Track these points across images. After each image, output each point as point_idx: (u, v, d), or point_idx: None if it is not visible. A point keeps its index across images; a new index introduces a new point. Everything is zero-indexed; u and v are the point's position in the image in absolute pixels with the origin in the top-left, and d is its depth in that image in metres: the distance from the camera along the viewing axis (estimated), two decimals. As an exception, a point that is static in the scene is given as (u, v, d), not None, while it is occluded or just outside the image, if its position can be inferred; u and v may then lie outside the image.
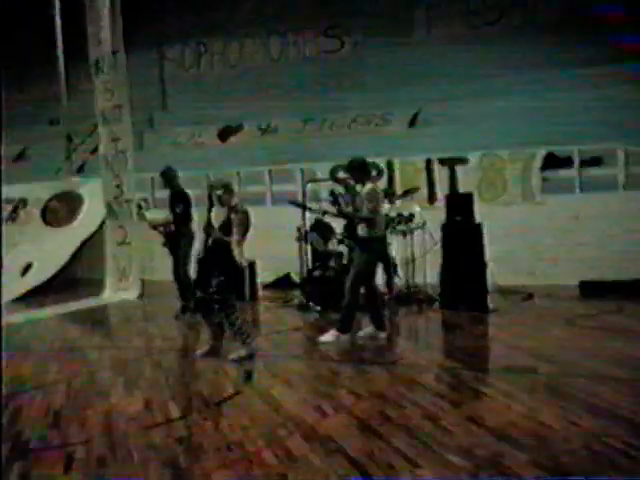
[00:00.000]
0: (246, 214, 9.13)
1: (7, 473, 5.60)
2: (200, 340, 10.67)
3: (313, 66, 20.28)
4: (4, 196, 18.98)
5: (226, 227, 9.03)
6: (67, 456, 5.92)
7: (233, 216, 9.03)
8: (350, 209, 10.26)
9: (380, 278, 12.86)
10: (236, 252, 8.97)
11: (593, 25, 16.32)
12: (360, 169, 10.08)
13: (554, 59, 16.65)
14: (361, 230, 9.92)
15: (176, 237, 12.28)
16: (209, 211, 9.36)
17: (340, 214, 10.52)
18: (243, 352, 9.15)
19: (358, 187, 10.16)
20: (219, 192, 9.15)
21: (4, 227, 17.41)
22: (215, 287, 9.02)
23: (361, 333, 10.26)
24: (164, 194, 14.45)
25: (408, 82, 18.19)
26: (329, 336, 10.01)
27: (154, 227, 11.01)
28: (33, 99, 24.47)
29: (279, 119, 19.52)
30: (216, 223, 9.18)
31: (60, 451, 6.07)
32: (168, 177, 12.53)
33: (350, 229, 10.94)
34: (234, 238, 8.96)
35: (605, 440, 5.73)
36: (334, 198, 10.72)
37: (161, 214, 13.18)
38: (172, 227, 12.32)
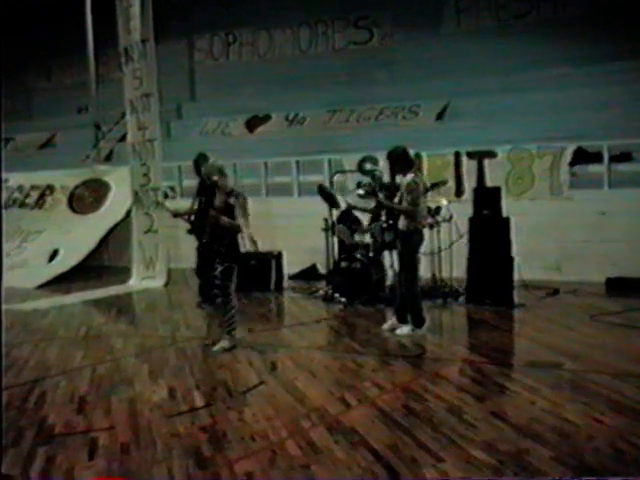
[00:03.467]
0: (245, 198, 9.09)
1: (31, 459, 5.65)
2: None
3: (342, 57, 20.28)
4: (30, 182, 19.16)
5: (227, 213, 8.96)
6: (91, 442, 5.96)
7: (233, 200, 8.97)
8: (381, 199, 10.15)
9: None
10: (246, 236, 8.94)
11: (624, 18, 16.23)
12: (402, 159, 9.87)
13: (585, 53, 16.56)
14: (401, 222, 9.77)
15: (202, 225, 12.24)
16: (200, 198, 9.27)
17: (380, 205, 10.36)
18: (226, 344, 9.21)
19: (398, 178, 9.98)
20: (215, 177, 9.10)
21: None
22: (220, 273, 9.04)
23: (385, 326, 10.25)
24: (191, 182, 14.49)
25: (437, 74, 18.16)
26: (405, 329, 9.96)
27: (175, 215, 11.02)
28: (62, 87, 24.62)
29: (307, 110, 19.51)
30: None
31: (84, 437, 6.11)
32: (201, 165, 12.44)
33: (391, 221, 10.62)
34: (241, 221, 8.91)
35: (629, 438, 5.71)
36: (372, 189, 10.57)
37: (184, 204, 13.22)
38: (192, 217, 12.30)
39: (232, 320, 9.26)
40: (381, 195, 10.34)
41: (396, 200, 9.85)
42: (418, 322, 9.93)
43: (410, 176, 9.71)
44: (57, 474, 5.38)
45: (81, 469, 5.44)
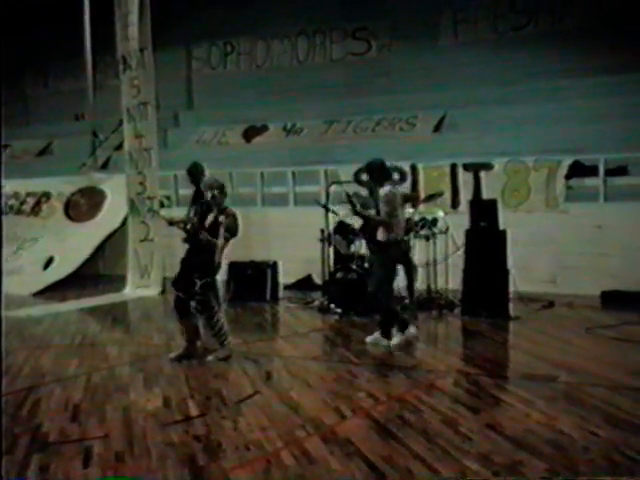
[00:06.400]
0: (235, 218, 9.11)
1: (25, 466, 5.64)
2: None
3: (339, 68, 20.28)
4: (26, 190, 19.15)
5: (214, 229, 8.97)
6: (86, 450, 5.95)
7: (222, 218, 8.97)
8: (373, 212, 10.15)
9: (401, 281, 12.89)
10: (217, 255, 8.93)
11: (621, 32, 16.27)
12: (379, 171, 9.95)
13: (582, 65, 16.60)
14: (379, 233, 9.78)
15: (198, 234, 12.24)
16: (195, 211, 9.28)
17: (356, 214, 10.37)
18: (221, 354, 9.22)
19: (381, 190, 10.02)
20: (215, 192, 9.12)
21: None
22: (199, 288, 9.01)
23: (369, 339, 10.16)
24: (187, 192, 14.50)
25: (434, 86, 18.18)
26: (374, 338, 9.98)
27: (170, 223, 11.16)
28: (59, 94, 24.61)
29: (304, 120, 19.51)
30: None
31: (79, 445, 6.10)
32: (194, 174, 12.43)
33: (368, 231, 10.58)
34: (220, 241, 8.92)
35: (625, 451, 5.71)
36: (348, 199, 10.56)
37: (179, 213, 13.21)
38: (188, 226, 12.28)
39: (222, 332, 9.23)
40: (358, 205, 10.39)
41: (373, 212, 9.92)
42: (386, 334, 9.95)
43: (387, 187, 9.77)
44: (51, 482, 5.37)
45: (75, 477, 5.43)
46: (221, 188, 9.17)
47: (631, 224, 13.50)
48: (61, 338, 11.08)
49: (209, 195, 9.13)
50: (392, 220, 9.69)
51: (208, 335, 9.42)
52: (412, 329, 10.12)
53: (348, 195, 10.52)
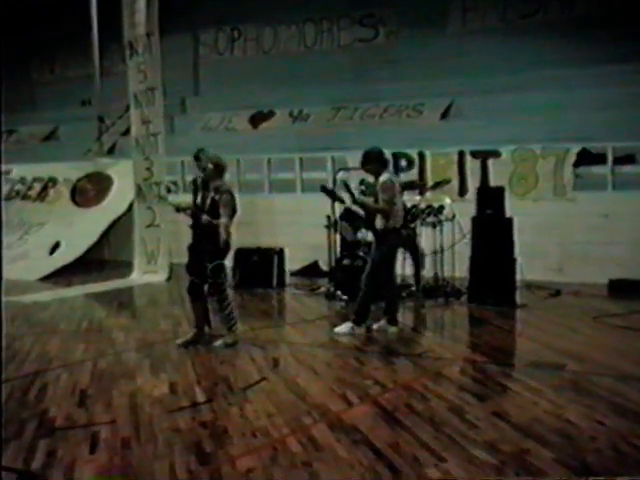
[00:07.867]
0: (231, 194, 9.05)
1: (32, 452, 5.64)
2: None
3: (347, 54, 20.24)
4: (33, 175, 19.18)
5: (213, 210, 8.93)
6: (92, 436, 5.95)
7: (217, 197, 8.94)
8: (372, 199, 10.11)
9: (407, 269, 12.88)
10: (223, 235, 8.90)
11: (630, 20, 16.20)
12: (376, 160, 9.92)
13: (591, 54, 16.50)
14: (378, 222, 9.77)
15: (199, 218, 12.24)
16: (195, 195, 9.20)
17: (355, 203, 10.34)
18: (229, 340, 9.22)
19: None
20: (210, 165, 9.07)
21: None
22: (211, 271, 9.02)
23: (375, 326, 10.17)
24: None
25: (441, 73, 18.12)
26: (344, 328, 9.94)
27: (178, 210, 11.18)
28: (65, 79, 24.58)
29: (311, 106, 19.48)
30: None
31: (85, 431, 6.10)
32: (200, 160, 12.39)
33: (368, 219, 10.53)
34: (222, 220, 8.88)
35: (631, 440, 5.70)
36: (346, 187, 10.50)
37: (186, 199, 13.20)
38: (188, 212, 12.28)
39: (231, 316, 9.26)
40: (357, 192, 10.39)
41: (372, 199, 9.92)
42: (359, 320, 9.95)
43: (385, 175, 9.74)
44: (58, 467, 5.36)
45: (82, 463, 5.42)
46: (216, 164, 9.13)
47: (639, 213, 13.46)
48: (67, 323, 11.11)
49: (205, 168, 9.09)
50: (391, 208, 9.67)
51: (216, 321, 9.43)
52: (393, 329, 10.11)
53: (346, 184, 10.51)
